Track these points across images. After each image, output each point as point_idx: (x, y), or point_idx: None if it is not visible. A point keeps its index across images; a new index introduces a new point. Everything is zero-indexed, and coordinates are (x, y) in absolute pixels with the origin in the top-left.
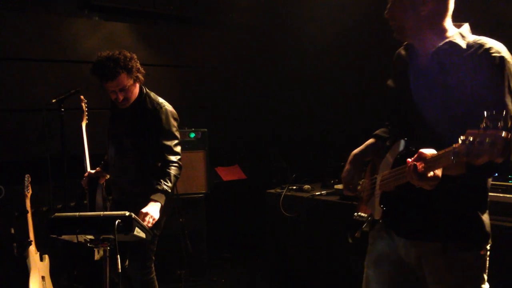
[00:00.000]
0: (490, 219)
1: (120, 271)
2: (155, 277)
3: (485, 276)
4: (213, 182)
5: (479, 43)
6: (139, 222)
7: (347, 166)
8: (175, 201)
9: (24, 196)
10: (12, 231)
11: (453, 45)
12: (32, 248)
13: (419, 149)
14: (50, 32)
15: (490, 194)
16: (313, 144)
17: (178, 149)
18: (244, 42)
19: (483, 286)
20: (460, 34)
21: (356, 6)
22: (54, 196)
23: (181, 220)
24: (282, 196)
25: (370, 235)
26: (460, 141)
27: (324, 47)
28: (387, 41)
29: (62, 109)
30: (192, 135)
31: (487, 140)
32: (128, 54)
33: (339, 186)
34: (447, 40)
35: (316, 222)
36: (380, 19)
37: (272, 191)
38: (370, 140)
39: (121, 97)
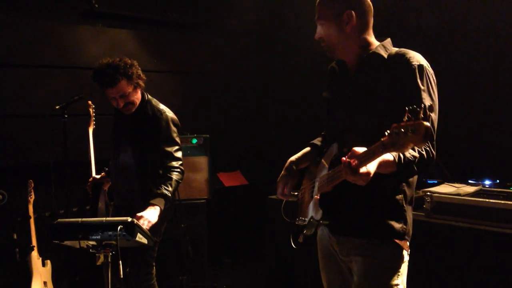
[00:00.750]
0: (491, 226)
1: (122, 277)
2: (155, 283)
3: (404, 272)
4: (215, 187)
5: (400, 54)
6: (141, 228)
7: (283, 172)
8: (176, 206)
9: (27, 202)
10: (15, 236)
11: (376, 55)
12: (34, 254)
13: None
14: (54, 38)
15: (490, 201)
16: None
17: (179, 154)
18: (246, 48)
19: (397, 281)
20: (382, 46)
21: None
22: (57, 202)
23: (182, 225)
24: (284, 202)
25: (318, 235)
26: (386, 134)
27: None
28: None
29: (65, 115)
30: (194, 140)
31: (410, 129)
32: (129, 61)
33: None
34: (370, 51)
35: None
36: (381, 20)
37: (274, 197)
38: (307, 149)
39: (121, 104)
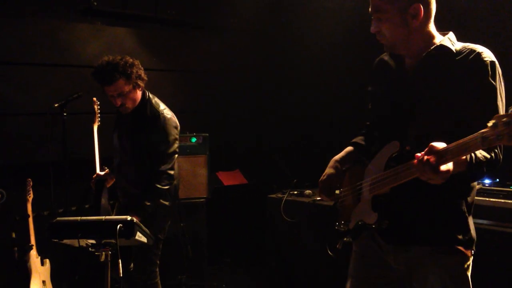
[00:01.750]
0: (491, 225)
1: (121, 275)
2: (159, 281)
3: (470, 280)
4: (214, 186)
5: (469, 48)
6: (140, 227)
7: (326, 171)
8: (175, 205)
9: (26, 200)
10: (13, 235)
11: (444, 49)
12: (33, 253)
13: (415, 149)
14: (52, 36)
15: (491, 200)
16: (315, 148)
17: (170, 159)
18: (246, 47)
19: None
20: (448, 39)
21: (357, 10)
22: (56, 201)
23: (181, 224)
24: (283, 201)
25: (355, 243)
26: (489, 126)
27: (326, 51)
28: None
29: (65, 114)
30: (194, 139)
31: None
32: (130, 60)
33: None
34: (438, 44)
35: (317, 227)
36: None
37: (273, 196)
38: (349, 148)
39: (118, 102)
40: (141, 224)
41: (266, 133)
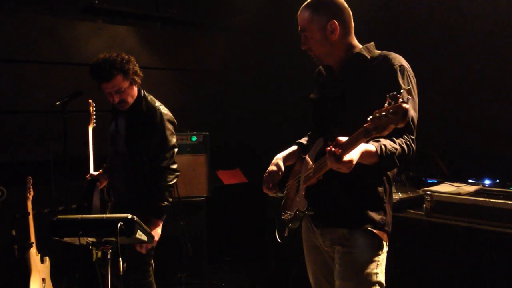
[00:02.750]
0: (491, 225)
1: (122, 273)
2: (153, 280)
3: (383, 262)
4: (214, 185)
5: (382, 55)
6: (141, 225)
7: (270, 167)
8: (175, 204)
9: (26, 198)
10: (13, 233)
11: (359, 56)
12: (33, 250)
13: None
14: (53, 34)
15: (491, 200)
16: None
17: (170, 153)
18: (246, 45)
19: (378, 277)
20: (366, 48)
21: (359, 10)
22: (56, 198)
23: (181, 223)
24: (283, 200)
25: (302, 229)
26: (369, 120)
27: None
28: (390, 42)
29: (65, 112)
30: (194, 138)
31: (390, 112)
32: (126, 57)
33: None
34: (354, 52)
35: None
36: (383, 21)
37: (273, 195)
38: (293, 147)
39: (116, 99)
40: (142, 223)
41: (267, 132)
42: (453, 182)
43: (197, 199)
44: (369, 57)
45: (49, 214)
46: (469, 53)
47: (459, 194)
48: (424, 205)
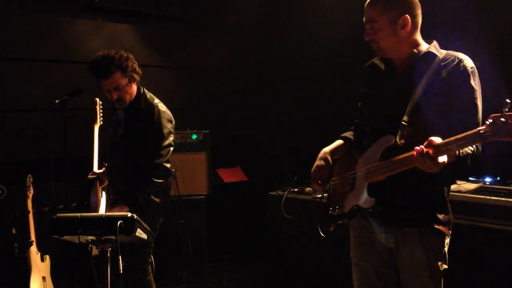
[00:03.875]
0: (492, 223)
1: (122, 272)
2: (152, 279)
3: (447, 254)
4: (214, 183)
5: (453, 55)
6: (141, 223)
7: (317, 162)
8: (175, 202)
9: (26, 197)
10: (13, 231)
11: (432, 55)
12: (33, 249)
13: (408, 143)
14: (53, 33)
15: (491, 198)
16: (316, 146)
17: (165, 151)
18: (246, 44)
19: (445, 265)
20: (434, 47)
21: (359, 7)
22: (56, 197)
23: (181, 221)
24: (284, 198)
25: (351, 227)
26: (487, 123)
27: (326, 49)
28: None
29: (65, 110)
30: (194, 136)
31: (510, 120)
32: (125, 54)
33: None
34: (426, 51)
35: (317, 224)
36: None
37: (274, 193)
38: (339, 141)
39: (115, 96)
40: (141, 221)
41: (267, 130)
42: None
43: (197, 197)
44: (441, 56)
45: (49, 212)
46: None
47: (459, 192)
48: None
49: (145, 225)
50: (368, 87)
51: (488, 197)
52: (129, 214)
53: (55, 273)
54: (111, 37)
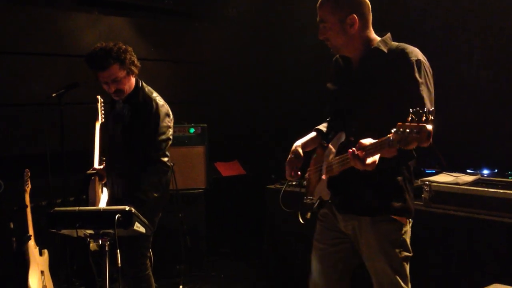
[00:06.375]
0: (490, 215)
1: (120, 265)
2: (150, 273)
3: (409, 245)
4: (212, 177)
5: (399, 48)
6: (139, 217)
7: (290, 155)
8: (173, 196)
9: (24, 191)
10: (11, 225)
11: (377, 51)
12: (31, 243)
13: (357, 139)
14: (49, 26)
15: (489, 190)
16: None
17: (162, 145)
18: (244, 37)
19: (405, 253)
20: (383, 41)
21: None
22: (54, 191)
23: (180, 215)
24: (282, 191)
25: (319, 214)
26: (393, 132)
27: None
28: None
29: (62, 104)
30: (192, 130)
31: (414, 130)
32: (123, 46)
33: None
34: (372, 47)
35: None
36: (381, 14)
37: (272, 186)
38: (313, 134)
39: (112, 89)
40: (140, 214)
41: (265, 124)
42: (452, 172)
43: (196, 191)
44: (386, 51)
45: (47, 206)
46: (467, 45)
47: (457, 184)
48: (422, 195)
49: (143, 219)
50: (331, 82)
51: (486, 189)
52: (127, 208)
53: (54, 267)
54: (107, 30)
